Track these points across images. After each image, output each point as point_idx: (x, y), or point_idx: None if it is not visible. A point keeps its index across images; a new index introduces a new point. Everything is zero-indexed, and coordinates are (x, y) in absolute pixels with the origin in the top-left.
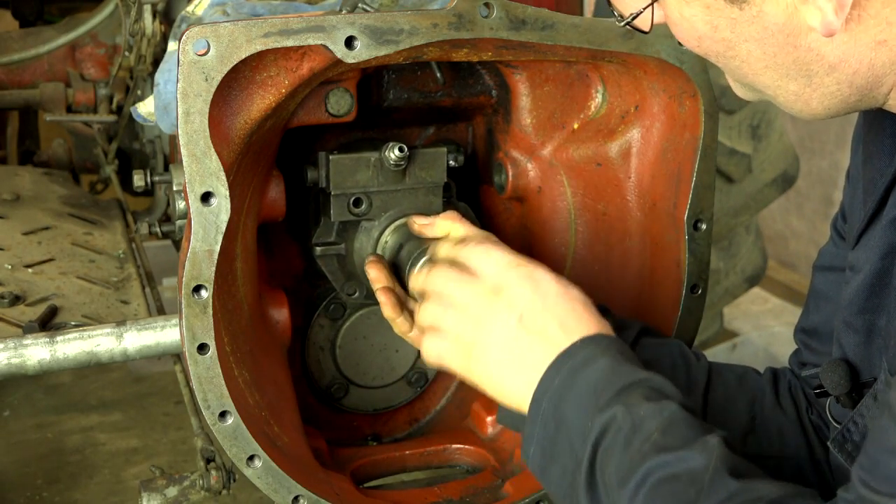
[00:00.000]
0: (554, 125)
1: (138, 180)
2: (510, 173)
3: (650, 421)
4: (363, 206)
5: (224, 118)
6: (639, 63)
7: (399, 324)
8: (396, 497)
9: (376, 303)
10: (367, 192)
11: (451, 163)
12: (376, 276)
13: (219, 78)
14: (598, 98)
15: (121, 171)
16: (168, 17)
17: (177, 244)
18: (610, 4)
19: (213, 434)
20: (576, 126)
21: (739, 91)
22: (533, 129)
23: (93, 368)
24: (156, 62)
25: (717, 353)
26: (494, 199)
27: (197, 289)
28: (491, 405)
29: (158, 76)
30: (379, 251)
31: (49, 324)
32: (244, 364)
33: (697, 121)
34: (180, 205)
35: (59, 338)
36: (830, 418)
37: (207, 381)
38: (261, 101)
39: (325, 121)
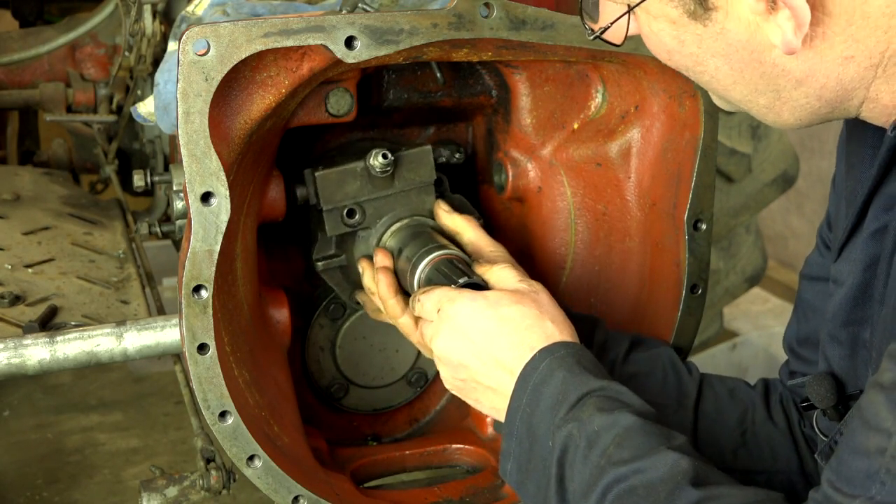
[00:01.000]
0: (554, 125)
1: (138, 180)
2: (510, 173)
3: (605, 434)
4: (357, 217)
5: (224, 118)
6: (639, 63)
7: (391, 307)
8: (396, 497)
9: None
10: (359, 202)
11: (443, 159)
12: (381, 260)
13: (219, 78)
14: (598, 98)
15: (121, 171)
16: (168, 17)
17: (177, 244)
18: (582, 18)
19: (213, 434)
20: (576, 126)
21: (718, 103)
22: (533, 129)
23: (93, 368)
24: (156, 62)
25: (717, 353)
26: (494, 199)
27: (197, 289)
28: None
29: (158, 76)
30: None
31: (49, 324)
32: (244, 364)
33: (697, 121)
34: (180, 205)
35: (59, 338)
36: (818, 431)
37: (207, 381)
38: (261, 101)
39: (325, 121)
